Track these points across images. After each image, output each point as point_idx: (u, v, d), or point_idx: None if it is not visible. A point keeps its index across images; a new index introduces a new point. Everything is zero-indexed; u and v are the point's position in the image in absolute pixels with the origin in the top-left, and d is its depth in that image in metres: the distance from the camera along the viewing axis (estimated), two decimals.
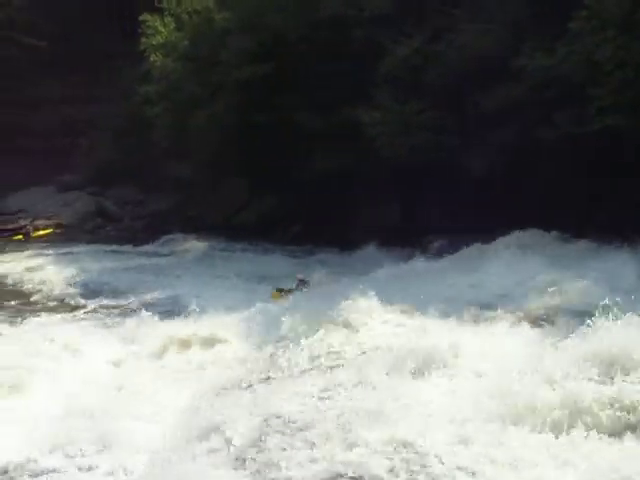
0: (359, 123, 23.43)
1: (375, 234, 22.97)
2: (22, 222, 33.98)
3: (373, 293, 15.29)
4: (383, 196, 23.91)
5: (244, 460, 8.90)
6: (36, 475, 11.21)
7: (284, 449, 8.97)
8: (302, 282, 20.42)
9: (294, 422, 9.63)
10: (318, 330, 14.01)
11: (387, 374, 10.90)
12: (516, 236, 20.28)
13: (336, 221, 24.99)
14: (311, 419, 9.69)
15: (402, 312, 15.09)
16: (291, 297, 19.60)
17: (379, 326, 14.44)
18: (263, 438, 9.32)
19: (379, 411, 9.26)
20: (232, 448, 9.36)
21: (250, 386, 12.07)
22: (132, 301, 21.36)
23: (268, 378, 12.21)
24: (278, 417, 9.91)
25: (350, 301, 14.98)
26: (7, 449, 11.84)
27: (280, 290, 20.20)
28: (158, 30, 32.41)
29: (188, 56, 30.60)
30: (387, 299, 15.35)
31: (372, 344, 13.18)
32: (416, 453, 8.08)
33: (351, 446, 8.45)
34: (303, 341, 13.61)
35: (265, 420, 9.87)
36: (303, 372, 12.18)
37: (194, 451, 9.75)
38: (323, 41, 25.20)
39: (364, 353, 12.80)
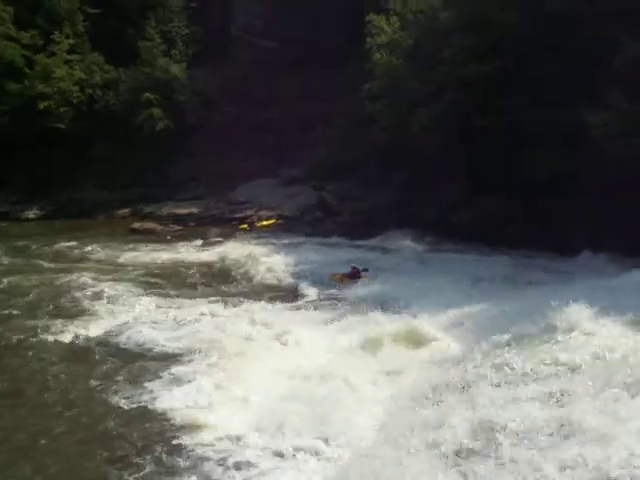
0: (584, 124, 22.32)
1: (598, 241, 21.84)
2: (248, 212, 36.14)
3: (599, 299, 14.60)
4: (608, 201, 22.50)
5: (457, 464, 8.92)
6: (247, 451, 12.09)
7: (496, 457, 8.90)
8: (355, 270, 23.94)
9: (510, 430, 9.49)
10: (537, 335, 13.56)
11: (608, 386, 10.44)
12: None
13: (554, 225, 24.01)
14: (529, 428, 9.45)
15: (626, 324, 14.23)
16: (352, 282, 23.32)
17: (603, 334, 13.60)
18: (477, 442, 9.28)
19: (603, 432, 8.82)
20: (444, 448, 9.42)
21: (465, 387, 12.02)
22: (347, 294, 22.07)
23: (484, 380, 12.03)
24: (494, 422, 9.80)
25: (573, 306, 14.34)
26: (222, 426, 12.87)
27: (335, 275, 24.16)
28: (383, 30, 33.14)
29: (411, 55, 30.91)
30: (614, 308, 14.52)
31: (599, 353, 12.52)
32: None
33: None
34: (523, 344, 13.27)
35: (479, 424, 9.80)
36: (523, 376, 11.83)
37: (409, 445, 9.88)
38: (550, 39, 24.26)
39: (592, 362, 12.20)
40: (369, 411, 12.94)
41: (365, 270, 24.12)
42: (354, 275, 24.07)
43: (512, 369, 12.15)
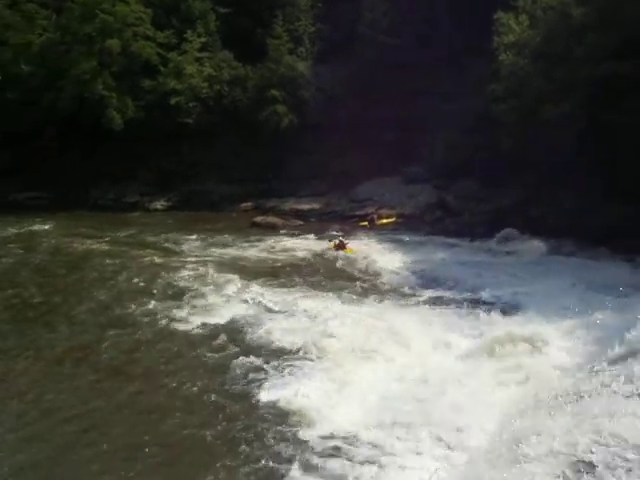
0: None
1: None
2: (369, 210, 36.25)
3: None
4: None
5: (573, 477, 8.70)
6: (360, 447, 12.28)
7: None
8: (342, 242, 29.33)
9: (631, 445, 9.11)
10: None
11: None
12: None
13: None
14: None
15: None
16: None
17: None
18: (595, 456, 9.00)
19: None
20: (561, 459, 9.20)
21: (584, 397, 11.65)
22: (465, 295, 21.89)
23: (605, 391, 11.61)
24: (613, 435, 9.45)
25: None
26: (336, 421, 13.09)
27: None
28: (511, 28, 32.38)
29: (540, 53, 30.06)
30: None
31: None
32: None
33: None
34: None
35: (598, 436, 9.49)
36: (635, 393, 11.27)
37: (524, 453, 9.74)
38: None
39: None
40: (485, 415, 12.80)
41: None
42: (341, 246, 29.12)
43: (633, 382, 11.60)
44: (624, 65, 24.49)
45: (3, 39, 47.27)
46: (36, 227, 36.61)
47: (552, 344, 15.96)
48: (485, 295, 21.44)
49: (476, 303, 20.50)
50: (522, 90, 30.01)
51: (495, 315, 18.34)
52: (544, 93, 28.24)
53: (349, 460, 12.01)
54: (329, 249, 29.61)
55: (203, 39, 46.06)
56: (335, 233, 32.45)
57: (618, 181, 25.40)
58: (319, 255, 28.70)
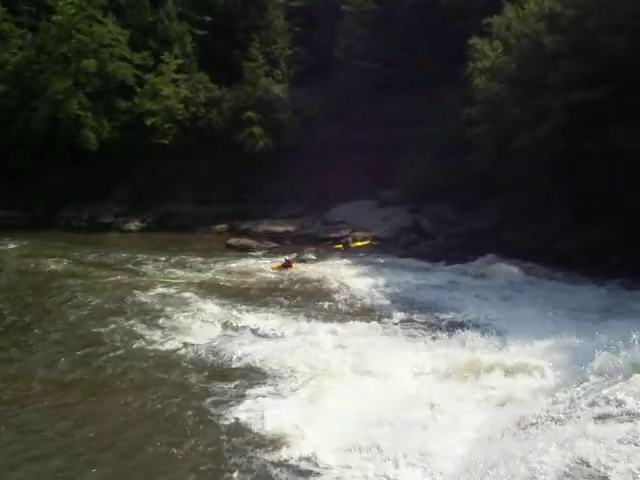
0: None
1: None
2: (343, 232, 36.23)
3: None
4: None
5: None
6: (332, 469, 12.17)
7: None
8: (288, 261, 30.42)
9: (599, 471, 9.02)
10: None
11: None
12: None
13: None
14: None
15: None
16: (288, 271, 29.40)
17: None
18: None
19: None
20: None
21: (560, 421, 11.56)
22: (438, 319, 21.87)
23: (581, 415, 11.50)
24: (582, 462, 9.38)
25: None
26: (309, 444, 12.95)
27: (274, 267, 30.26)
28: (486, 54, 32.76)
29: (514, 79, 30.40)
30: None
31: None
32: None
33: None
34: (617, 380, 12.70)
35: (575, 463, 9.38)
36: (625, 414, 11.04)
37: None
38: None
39: None
40: (456, 439, 12.72)
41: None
42: (287, 265, 30.09)
43: (610, 404, 11.51)
44: (596, 93, 24.81)
45: None
46: (9, 246, 36.20)
47: (526, 368, 15.91)
48: (460, 318, 21.44)
49: (450, 326, 20.45)
50: (497, 116, 30.29)
51: (470, 338, 18.26)
52: (519, 120, 28.47)
53: None
54: (275, 269, 30.20)
55: (180, 61, 46.22)
56: (310, 256, 32.50)
57: (590, 206, 25.69)
58: (291, 278, 28.55)
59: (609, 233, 24.91)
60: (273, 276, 29.09)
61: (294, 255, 32.02)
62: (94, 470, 12.71)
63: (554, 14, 28.67)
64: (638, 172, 23.83)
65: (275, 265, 30.63)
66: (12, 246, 36.34)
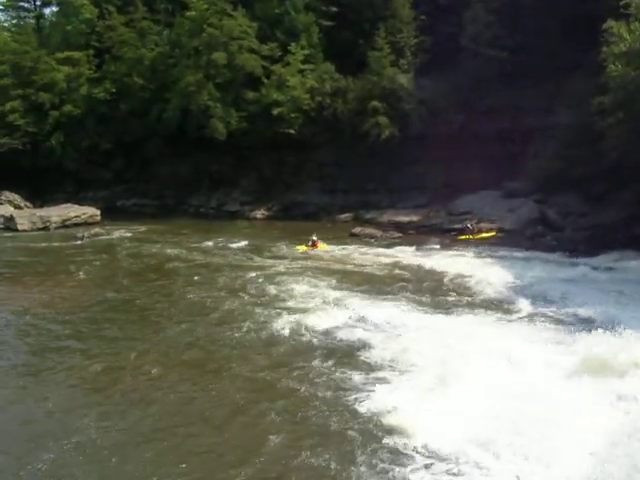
0: None
1: None
2: (468, 223, 36.06)
3: None
4: None
5: None
6: (460, 465, 12.34)
7: None
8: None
9: None
10: None
11: None
12: None
13: None
14: None
15: None
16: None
17: None
18: None
19: None
20: None
21: None
22: (567, 313, 21.48)
23: None
24: None
25: None
26: (436, 437, 13.17)
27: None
28: (622, 38, 31.43)
29: None
30: None
31: None
32: None
33: None
34: None
35: None
36: None
37: None
38: None
39: None
40: (587, 440, 12.60)
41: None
42: (314, 245, 33.00)
43: None
44: None
45: (119, 54, 49.80)
46: (141, 230, 38.63)
47: None
48: (590, 314, 20.90)
49: (580, 322, 20.13)
50: (632, 103, 29.14)
51: (601, 335, 17.90)
52: None
53: (446, 474, 12.12)
54: (303, 252, 32.29)
55: (306, 51, 47.06)
56: (434, 246, 32.62)
57: None
58: (418, 267, 28.70)
59: None
60: (397, 263, 29.44)
61: (314, 239, 33.64)
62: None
63: None
64: None
65: (302, 246, 33.24)
66: (143, 229, 39.54)
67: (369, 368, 17.19)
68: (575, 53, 36.00)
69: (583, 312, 21.24)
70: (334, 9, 48.22)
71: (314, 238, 33.34)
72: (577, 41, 35.67)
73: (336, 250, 33.00)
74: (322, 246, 33.12)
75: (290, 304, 23.05)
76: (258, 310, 22.25)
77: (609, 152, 30.15)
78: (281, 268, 28.82)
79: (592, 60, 32.55)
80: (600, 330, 18.14)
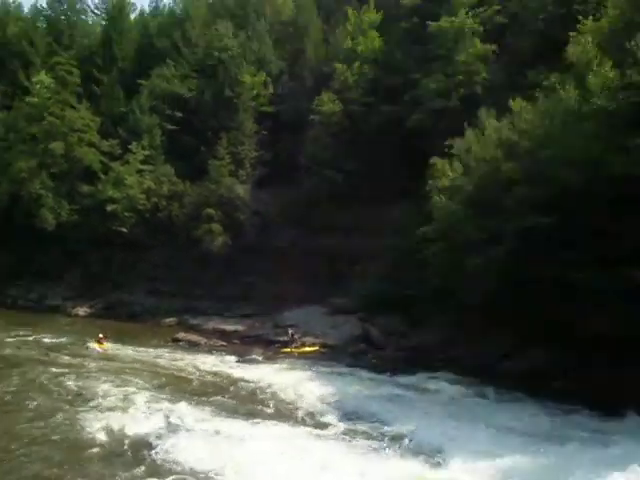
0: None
1: None
2: (290, 330, 35.84)
3: None
4: None
5: None
6: None
7: None
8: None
9: None
10: None
11: None
12: None
13: (601, 383, 23.17)
14: None
15: None
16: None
17: None
18: None
19: None
20: None
21: None
22: (380, 430, 21.58)
23: None
24: None
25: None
26: None
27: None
28: (445, 174, 33.76)
29: (471, 200, 31.21)
30: None
31: None
32: None
33: None
34: None
35: None
36: None
37: None
38: (612, 198, 24.16)
39: None
40: None
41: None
42: (100, 342, 32.48)
43: None
44: (547, 219, 25.44)
45: None
46: None
47: None
48: (402, 432, 21.05)
49: (392, 439, 20.22)
50: (453, 235, 30.83)
51: (411, 453, 18.02)
52: (473, 241, 28.96)
53: None
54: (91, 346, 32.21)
55: (147, 152, 46.94)
56: (257, 357, 32.26)
57: (540, 329, 26.01)
58: (238, 377, 28.15)
59: (557, 359, 25.16)
60: (219, 376, 28.73)
61: (100, 336, 33.18)
62: None
63: (511, 143, 29.83)
64: (587, 301, 24.23)
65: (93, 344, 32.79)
66: None
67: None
68: (405, 181, 38.01)
69: (397, 430, 21.32)
70: (179, 114, 48.69)
71: (100, 335, 33.09)
72: (409, 171, 37.79)
73: (152, 353, 31.80)
74: (103, 345, 32.71)
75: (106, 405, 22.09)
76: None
77: (431, 278, 31.52)
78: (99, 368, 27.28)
79: (419, 189, 34.52)
80: (412, 448, 18.31)
